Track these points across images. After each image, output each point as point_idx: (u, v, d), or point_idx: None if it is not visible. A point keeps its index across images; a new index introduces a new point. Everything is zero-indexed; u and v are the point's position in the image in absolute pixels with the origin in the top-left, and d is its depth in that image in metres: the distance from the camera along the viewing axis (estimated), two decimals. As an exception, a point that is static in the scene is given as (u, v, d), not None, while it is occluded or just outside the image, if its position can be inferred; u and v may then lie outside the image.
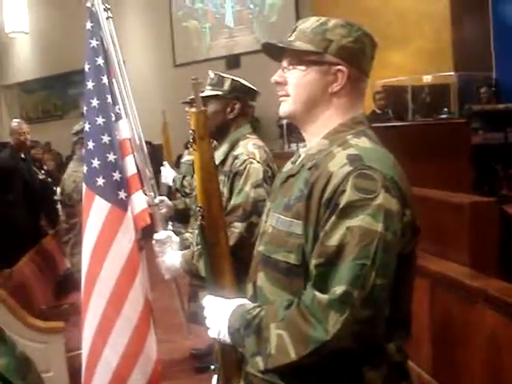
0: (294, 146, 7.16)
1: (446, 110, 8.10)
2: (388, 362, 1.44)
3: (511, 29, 9.26)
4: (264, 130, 9.73)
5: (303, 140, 1.65)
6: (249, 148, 2.62)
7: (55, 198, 6.61)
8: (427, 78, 9.11)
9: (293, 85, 1.56)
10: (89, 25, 2.78)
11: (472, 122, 6.74)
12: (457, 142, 5.37)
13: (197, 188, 1.62)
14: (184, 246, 2.84)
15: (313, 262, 1.38)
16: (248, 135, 2.73)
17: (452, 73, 8.96)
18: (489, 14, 9.67)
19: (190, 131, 1.60)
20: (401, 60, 9.26)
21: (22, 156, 5.99)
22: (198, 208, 1.60)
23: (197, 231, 2.80)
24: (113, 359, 2.69)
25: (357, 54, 1.54)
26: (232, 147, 2.67)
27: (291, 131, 7.52)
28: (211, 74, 2.75)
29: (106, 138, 2.72)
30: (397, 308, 1.43)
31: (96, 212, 2.72)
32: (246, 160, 2.56)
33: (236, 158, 2.60)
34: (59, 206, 6.07)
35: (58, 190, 7.12)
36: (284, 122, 7.50)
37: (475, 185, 5.61)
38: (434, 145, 5.08)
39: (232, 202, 2.47)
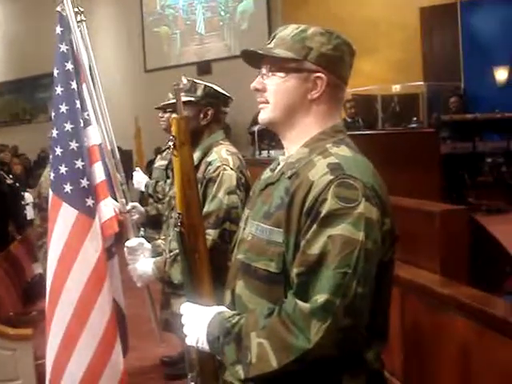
0: (264, 153, 7.15)
1: (415, 119, 8.18)
2: (367, 370, 1.44)
3: (480, 40, 9.42)
4: (234, 136, 9.73)
5: (274, 147, 1.65)
6: (222, 154, 2.61)
7: (23, 203, 6.53)
8: (396, 88, 9.21)
9: (272, 91, 1.56)
10: (58, 29, 2.74)
11: (441, 132, 6.83)
12: (426, 151, 5.44)
13: (176, 194, 1.60)
14: (156, 252, 2.81)
15: (294, 270, 1.38)
16: (221, 141, 2.72)
17: (421, 82, 9.07)
18: (458, 26, 9.84)
19: (171, 137, 1.59)
20: (371, 69, 9.36)
21: (-10, 161, 5.90)
22: (177, 214, 1.58)
23: (169, 238, 2.78)
24: (78, 372, 2.65)
25: (336, 62, 1.55)
26: (205, 154, 2.66)
27: (262, 138, 7.51)
28: (184, 80, 2.73)
29: (74, 145, 2.68)
30: (375, 316, 1.43)
31: (63, 219, 2.68)
32: (219, 167, 2.55)
33: (209, 164, 2.59)
34: (31, 210, 5.98)
35: (26, 194, 7.06)
36: (255, 128, 7.48)
37: (443, 193, 5.68)
38: (403, 154, 5.12)
39: (205, 209, 2.45)
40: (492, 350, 2.42)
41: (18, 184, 6.91)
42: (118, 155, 3.02)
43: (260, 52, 1.57)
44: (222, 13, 12.72)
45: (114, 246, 3.02)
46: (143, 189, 4.75)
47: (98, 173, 2.78)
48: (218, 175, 2.53)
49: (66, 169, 2.67)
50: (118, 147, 3.12)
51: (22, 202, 6.74)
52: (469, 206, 5.09)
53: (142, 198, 5.34)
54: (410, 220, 3.43)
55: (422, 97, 8.73)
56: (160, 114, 4.47)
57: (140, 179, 4.80)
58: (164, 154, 4.61)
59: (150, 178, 4.81)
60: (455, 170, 6.95)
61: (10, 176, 6.88)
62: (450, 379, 2.74)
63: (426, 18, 10.00)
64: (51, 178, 2.74)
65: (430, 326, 2.92)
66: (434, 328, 2.87)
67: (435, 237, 3.28)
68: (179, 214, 1.58)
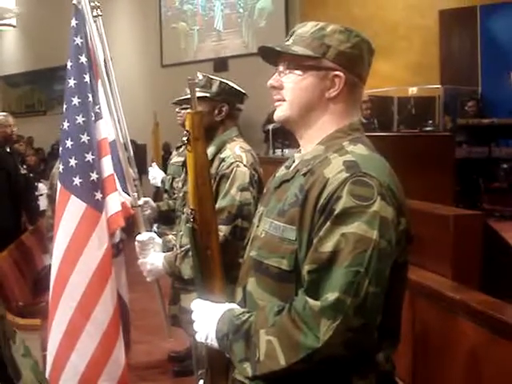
0: (278, 152, 7.13)
1: (430, 122, 8.15)
2: (377, 371, 1.43)
3: (498, 45, 9.36)
4: (248, 134, 9.69)
5: (288, 146, 1.64)
6: (236, 151, 2.61)
7: (37, 193, 6.55)
8: (413, 90, 9.17)
9: (289, 89, 1.55)
10: (73, 22, 2.74)
11: (456, 136, 6.80)
12: (441, 154, 5.39)
13: (189, 190, 1.59)
14: (167, 247, 2.82)
15: (306, 267, 1.36)
16: (235, 138, 2.72)
17: (438, 86, 9.02)
18: (477, 30, 9.77)
19: (185, 132, 1.58)
20: (388, 70, 9.31)
21: (7, 150, 5.90)
22: (190, 210, 1.57)
23: (180, 233, 2.78)
24: (80, 364, 2.65)
25: (354, 60, 1.53)
26: (219, 150, 2.66)
27: (277, 137, 7.49)
28: (200, 76, 2.72)
29: (85, 138, 2.68)
30: (388, 317, 1.42)
31: (71, 212, 2.68)
32: (232, 163, 2.55)
33: (223, 160, 2.59)
34: (45, 201, 5.98)
35: (40, 185, 7.09)
36: (270, 127, 7.46)
37: (457, 198, 5.65)
38: (418, 157, 5.08)
39: (217, 205, 2.44)
40: (502, 357, 2.40)
41: (31, 174, 6.93)
42: (131, 149, 3.02)
43: (277, 49, 1.56)
44: (241, 10, 12.68)
45: (121, 242, 3.02)
46: (159, 184, 4.75)
47: (107, 167, 2.78)
48: (232, 171, 2.54)
49: (75, 161, 2.67)
50: (133, 141, 3.12)
51: (36, 193, 6.76)
52: (482, 212, 5.05)
53: (157, 193, 5.34)
54: (423, 223, 3.40)
55: (439, 100, 8.69)
56: (177, 110, 4.46)
57: (156, 175, 4.79)
58: (181, 150, 4.60)
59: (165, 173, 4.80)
60: (470, 175, 6.92)
61: (24, 166, 6.90)
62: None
63: (445, 21, 9.93)
64: (60, 170, 2.74)
65: (440, 331, 2.90)
66: (444, 333, 2.85)
67: (448, 241, 3.25)
68: (192, 209, 1.57)
